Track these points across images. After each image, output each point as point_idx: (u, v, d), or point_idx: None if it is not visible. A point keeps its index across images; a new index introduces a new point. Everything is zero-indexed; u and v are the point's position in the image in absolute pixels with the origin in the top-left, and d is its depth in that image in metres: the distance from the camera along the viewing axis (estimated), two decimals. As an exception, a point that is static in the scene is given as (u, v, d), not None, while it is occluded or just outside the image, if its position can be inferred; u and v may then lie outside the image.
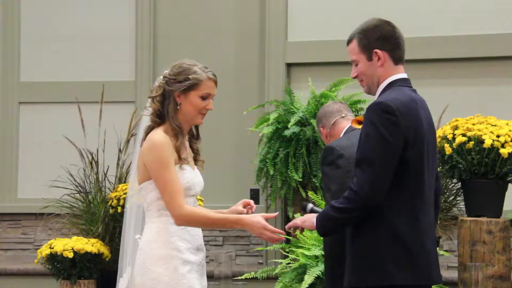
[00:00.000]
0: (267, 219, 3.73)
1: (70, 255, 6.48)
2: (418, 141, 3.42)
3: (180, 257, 3.76)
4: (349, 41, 3.60)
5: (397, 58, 3.55)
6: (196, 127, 3.95)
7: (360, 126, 3.90)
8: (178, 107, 3.81)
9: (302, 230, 3.66)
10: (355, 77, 3.61)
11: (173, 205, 3.72)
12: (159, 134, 3.77)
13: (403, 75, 3.56)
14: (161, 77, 3.86)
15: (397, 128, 3.37)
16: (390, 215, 3.38)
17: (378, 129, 3.37)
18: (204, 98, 3.82)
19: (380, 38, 3.52)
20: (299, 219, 3.64)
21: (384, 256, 3.36)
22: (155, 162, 3.72)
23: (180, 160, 3.78)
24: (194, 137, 3.96)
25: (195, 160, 3.94)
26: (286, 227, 3.72)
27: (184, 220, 3.73)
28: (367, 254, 3.40)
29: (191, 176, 3.83)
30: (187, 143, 3.91)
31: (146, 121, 3.93)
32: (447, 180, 6.41)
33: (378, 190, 3.35)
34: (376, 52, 3.52)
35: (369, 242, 3.40)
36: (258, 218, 3.72)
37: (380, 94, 3.53)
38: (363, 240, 3.42)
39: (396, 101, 3.40)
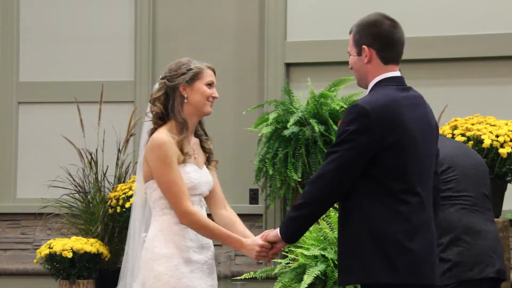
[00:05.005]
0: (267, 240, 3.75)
1: (69, 255, 6.47)
2: (403, 142, 3.39)
3: (181, 256, 3.76)
4: (350, 32, 3.61)
5: (387, 58, 3.52)
6: (202, 126, 3.99)
7: None
8: (185, 100, 3.83)
9: (275, 251, 3.73)
10: (351, 68, 3.62)
11: (178, 205, 3.74)
12: (161, 133, 3.79)
13: (392, 74, 3.52)
14: (159, 80, 3.90)
15: (368, 130, 3.37)
16: (373, 215, 3.38)
17: (349, 130, 3.38)
18: (209, 85, 3.89)
19: (370, 35, 3.51)
20: (263, 238, 3.74)
21: (368, 255, 3.38)
22: (157, 160, 3.74)
23: (184, 155, 3.79)
24: (203, 136, 4.00)
25: (209, 160, 3.99)
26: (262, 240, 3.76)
27: (188, 220, 3.75)
28: (353, 253, 3.42)
29: (195, 176, 3.84)
30: (196, 142, 3.92)
31: (148, 125, 3.95)
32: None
33: (336, 187, 3.41)
34: (363, 48, 3.52)
35: (354, 241, 3.41)
36: (257, 241, 3.76)
37: (368, 93, 3.53)
38: (349, 238, 3.44)
39: (373, 103, 3.39)
